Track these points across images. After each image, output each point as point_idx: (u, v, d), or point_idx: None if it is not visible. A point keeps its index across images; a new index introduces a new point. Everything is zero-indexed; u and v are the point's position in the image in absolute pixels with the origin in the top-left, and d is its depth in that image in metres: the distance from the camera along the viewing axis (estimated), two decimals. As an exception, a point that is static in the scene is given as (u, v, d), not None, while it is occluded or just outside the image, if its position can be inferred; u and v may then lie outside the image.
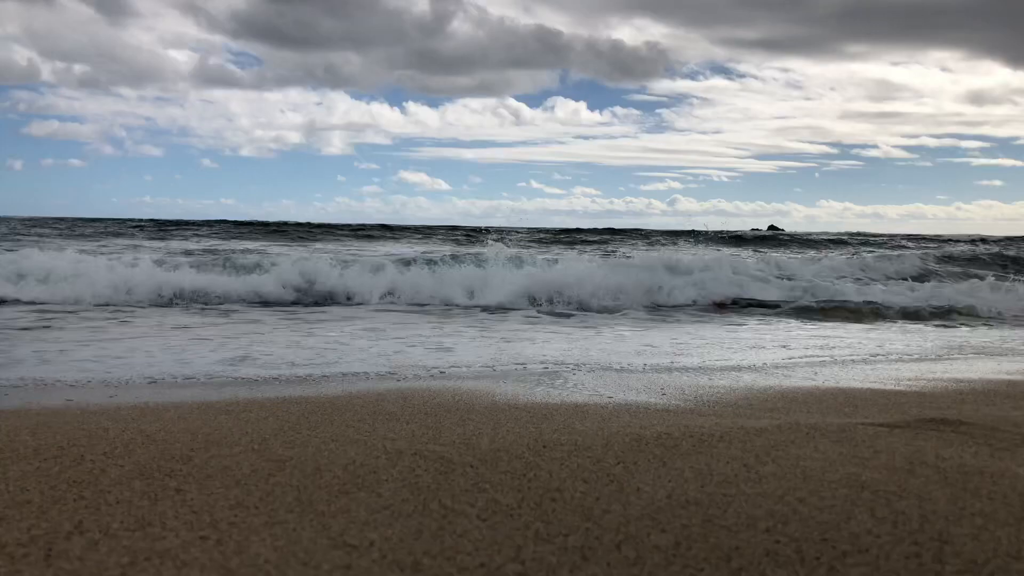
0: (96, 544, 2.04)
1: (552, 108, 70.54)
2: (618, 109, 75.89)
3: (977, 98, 79.39)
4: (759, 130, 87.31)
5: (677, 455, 2.94)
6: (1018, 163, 79.86)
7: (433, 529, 2.16)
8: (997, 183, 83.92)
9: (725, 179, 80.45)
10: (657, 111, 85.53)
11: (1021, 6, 62.73)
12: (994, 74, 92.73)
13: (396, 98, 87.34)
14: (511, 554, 2.00)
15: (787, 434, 3.30)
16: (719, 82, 77.29)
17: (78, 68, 69.53)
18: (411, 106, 75.23)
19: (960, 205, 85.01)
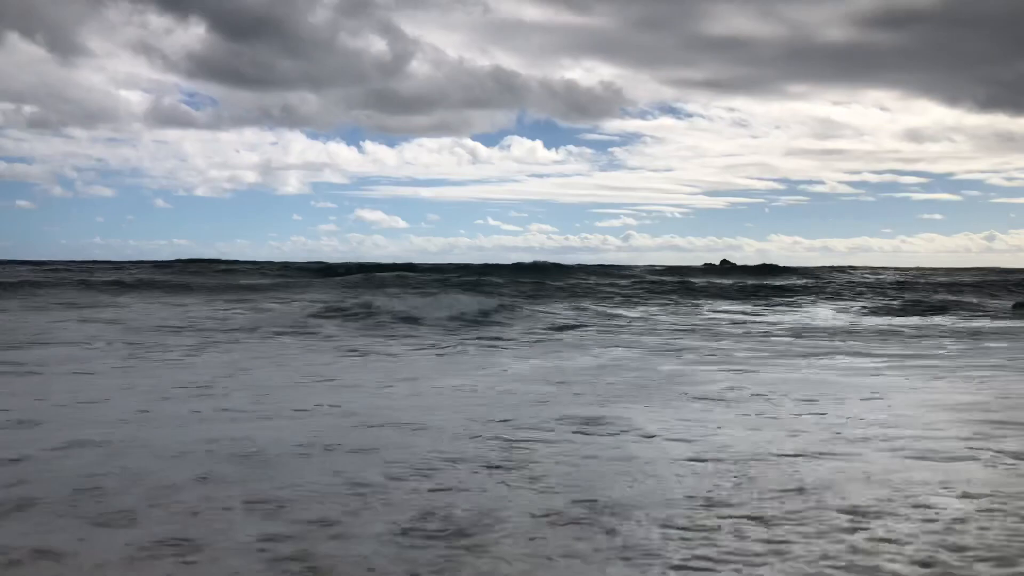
0: None
1: (508, 147, 71.61)
2: (572, 148, 77.23)
3: (914, 136, 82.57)
4: (708, 167, 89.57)
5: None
6: (955, 197, 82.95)
7: None
8: (937, 216, 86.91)
9: (678, 215, 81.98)
10: (609, 149, 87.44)
11: (951, 48, 65.97)
12: (929, 113, 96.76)
13: (353, 137, 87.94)
14: None
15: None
16: (668, 121, 79.23)
17: (28, 109, 69.00)
18: (368, 145, 75.63)
19: (904, 238, 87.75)
